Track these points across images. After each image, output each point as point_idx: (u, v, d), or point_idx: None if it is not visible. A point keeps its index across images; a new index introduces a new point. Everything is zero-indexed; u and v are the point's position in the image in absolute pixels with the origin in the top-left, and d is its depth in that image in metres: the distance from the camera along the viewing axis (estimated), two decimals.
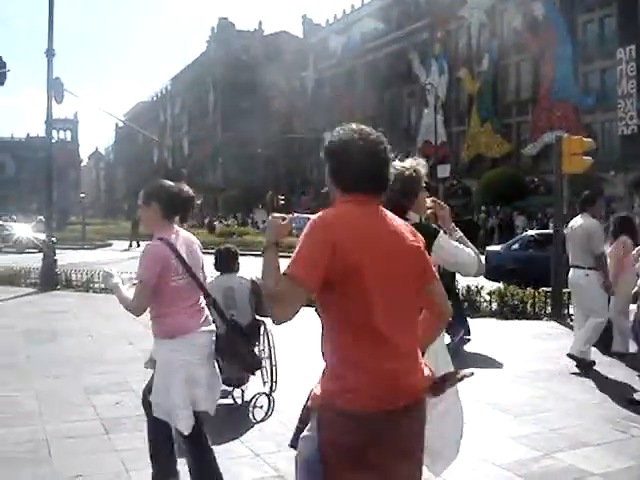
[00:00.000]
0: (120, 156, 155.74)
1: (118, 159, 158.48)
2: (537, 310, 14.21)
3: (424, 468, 3.43)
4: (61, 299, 16.97)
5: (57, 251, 20.06)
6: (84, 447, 6.21)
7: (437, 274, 3.18)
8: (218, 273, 7.97)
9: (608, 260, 9.65)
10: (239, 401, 7.65)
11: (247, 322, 7.64)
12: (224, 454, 6.00)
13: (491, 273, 19.76)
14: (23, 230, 42.42)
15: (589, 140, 14.83)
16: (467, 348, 10.96)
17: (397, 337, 2.85)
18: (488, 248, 22.43)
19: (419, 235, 3.08)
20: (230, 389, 7.72)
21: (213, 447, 6.03)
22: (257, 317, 7.77)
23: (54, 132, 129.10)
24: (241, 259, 8.12)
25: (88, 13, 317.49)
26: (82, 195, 72.45)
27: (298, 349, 9.64)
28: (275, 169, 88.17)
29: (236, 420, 7.06)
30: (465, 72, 59.76)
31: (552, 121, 48.12)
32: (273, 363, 7.76)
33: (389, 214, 3.06)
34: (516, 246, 20.67)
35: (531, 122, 52.53)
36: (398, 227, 3.03)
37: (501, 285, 15.34)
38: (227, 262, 7.86)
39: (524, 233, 24.00)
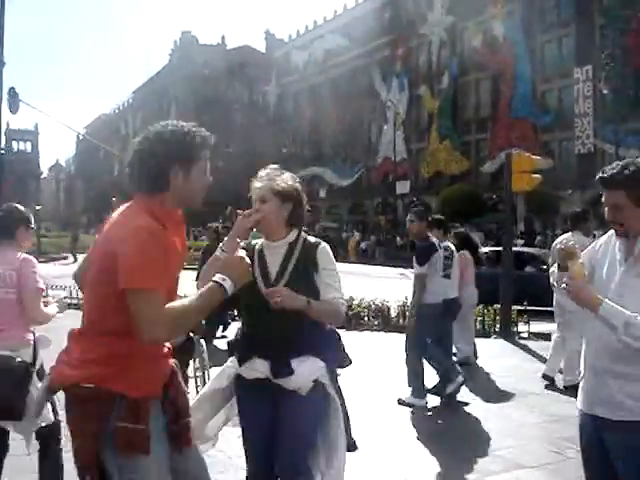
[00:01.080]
0: (81, 168, 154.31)
1: (79, 171, 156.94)
2: (486, 327, 14.16)
3: None
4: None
5: None
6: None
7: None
8: None
9: None
10: None
11: (181, 340, 7.44)
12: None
13: None
14: None
15: (538, 158, 14.88)
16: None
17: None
18: None
19: (119, 237, 2.97)
20: None
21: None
22: (191, 336, 7.57)
23: (14, 143, 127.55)
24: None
25: (49, 24, 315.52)
26: (37, 207, 71.46)
27: None
28: (236, 183, 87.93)
29: None
30: (425, 89, 60.12)
31: (510, 139, 48.37)
32: (206, 382, 7.57)
33: (119, 214, 3.14)
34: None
35: (490, 140, 52.84)
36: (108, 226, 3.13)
37: None
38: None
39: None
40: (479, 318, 14.10)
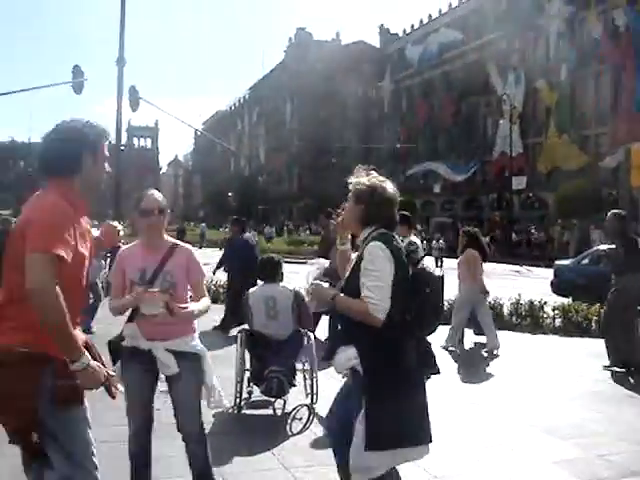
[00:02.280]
0: (198, 164, 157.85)
1: (196, 167, 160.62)
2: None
3: None
4: None
5: None
6: (114, 452, 6.19)
7: None
8: (261, 282, 7.94)
9: None
10: (279, 412, 7.57)
11: (288, 333, 7.57)
12: (254, 465, 5.99)
13: (559, 288, 19.32)
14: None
15: None
16: (524, 366, 10.66)
17: None
18: (557, 262, 21.93)
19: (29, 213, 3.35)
20: (272, 400, 7.67)
21: (244, 458, 5.99)
22: (299, 329, 7.67)
23: (134, 139, 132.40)
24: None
25: (167, 23, 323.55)
26: None
27: None
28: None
29: (272, 431, 6.98)
30: (542, 82, 58.65)
31: (632, 133, 46.79)
32: (314, 375, 7.67)
33: (34, 197, 3.46)
34: (586, 261, 20.08)
35: (610, 134, 51.21)
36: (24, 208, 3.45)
37: (565, 301, 14.94)
38: (270, 271, 7.79)
39: (595, 248, 23.27)
40: (595, 317, 13.73)
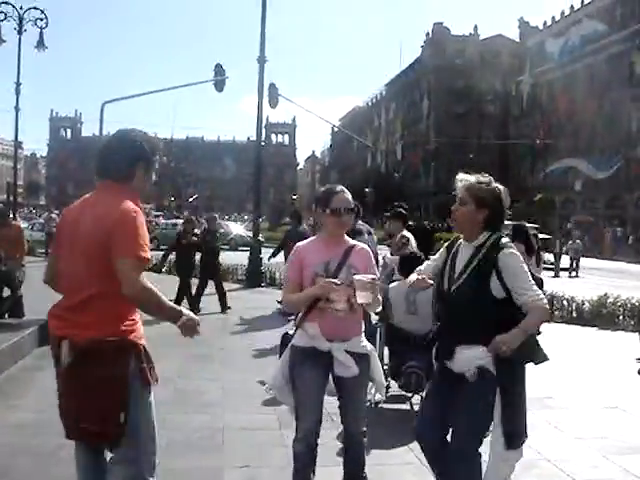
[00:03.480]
0: (335, 160, 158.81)
1: (333, 162, 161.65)
2: None
3: None
4: (262, 296, 17.70)
5: (266, 250, 20.73)
6: (256, 439, 6.46)
7: None
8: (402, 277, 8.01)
9: None
10: (417, 408, 7.63)
11: (428, 328, 7.61)
12: (390, 459, 6.10)
13: None
14: (237, 229, 44.69)
15: None
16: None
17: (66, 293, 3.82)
18: None
19: (111, 216, 3.66)
20: (410, 395, 7.73)
21: (380, 451, 6.11)
22: None
23: (272, 135, 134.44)
24: None
25: (305, 22, 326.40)
26: (294, 197, 74.70)
27: None
28: (488, 175, 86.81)
29: (409, 427, 7.03)
30: None
31: None
32: None
33: (99, 197, 3.85)
34: None
35: None
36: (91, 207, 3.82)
37: None
38: (410, 267, 7.85)
39: None
40: None
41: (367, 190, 64.95)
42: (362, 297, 4.38)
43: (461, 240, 4.43)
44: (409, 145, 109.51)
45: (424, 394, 4.41)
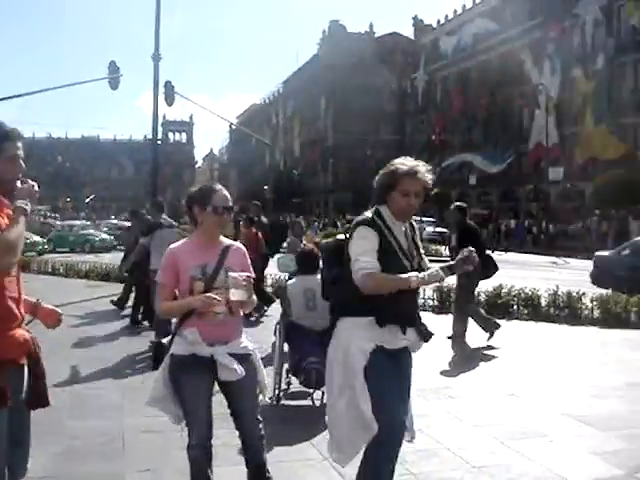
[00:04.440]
0: (233, 157, 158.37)
1: (232, 160, 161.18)
2: None
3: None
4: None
5: None
6: (157, 442, 6.32)
7: None
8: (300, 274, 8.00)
9: None
10: (318, 403, 7.63)
11: (327, 324, 7.60)
12: (293, 455, 6.08)
13: (598, 279, 19.16)
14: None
15: None
16: (563, 357, 10.64)
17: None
18: (597, 253, 21.74)
19: None
20: (310, 391, 7.73)
21: (282, 448, 6.08)
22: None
23: (170, 134, 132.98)
24: None
25: (201, 18, 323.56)
26: None
27: None
28: None
29: (311, 422, 7.05)
30: (579, 72, 58.06)
31: None
32: None
33: None
34: (627, 252, 19.79)
35: None
36: None
37: (604, 292, 14.84)
38: (308, 263, 7.85)
39: (636, 239, 22.96)
40: (634, 309, 13.68)
41: (266, 188, 64.93)
42: (237, 295, 4.33)
43: (386, 221, 4.31)
44: (307, 142, 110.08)
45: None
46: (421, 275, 4.13)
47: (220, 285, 4.39)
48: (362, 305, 4.16)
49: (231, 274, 4.38)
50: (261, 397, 4.82)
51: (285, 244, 12.26)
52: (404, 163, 4.32)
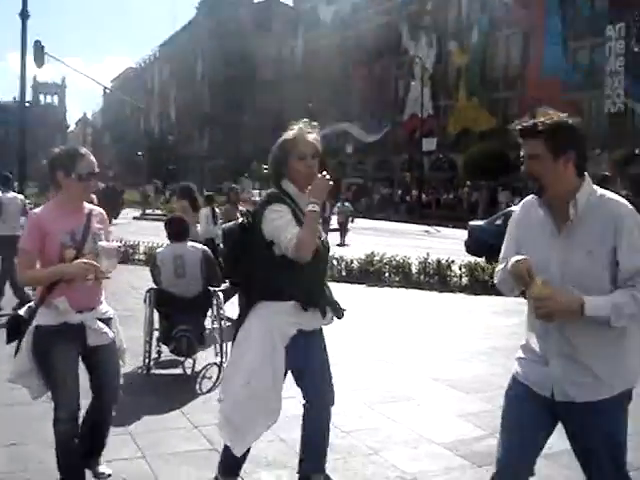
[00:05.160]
0: (108, 122, 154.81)
1: (106, 125, 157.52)
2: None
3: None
4: None
5: None
6: (19, 415, 6.08)
7: None
8: (168, 242, 7.89)
9: None
10: (189, 372, 7.54)
11: (197, 291, 7.54)
12: (163, 424, 6.00)
13: (473, 248, 19.68)
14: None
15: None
16: (431, 323, 10.88)
17: None
18: (471, 223, 22.31)
19: None
20: (182, 359, 7.65)
21: (153, 416, 5.97)
22: (209, 287, 7.65)
23: (40, 96, 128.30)
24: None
25: None
26: None
27: None
28: (263, 138, 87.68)
29: (182, 390, 6.97)
30: (454, 45, 59.28)
31: (540, 97, 47.79)
32: (223, 334, 7.66)
33: None
34: (499, 222, 20.27)
35: (519, 97, 52.20)
36: None
37: (472, 260, 15.26)
38: (177, 231, 7.74)
39: (507, 208, 23.66)
40: None
41: (140, 154, 63.70)
42: (107, 264, 4.24)
43: (292, 195, 4.25)
44: (184, 108, 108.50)
45: None
46: (311, 207, 3.97)
47: (89, 252, 4.25)
48: (284, 289, 4.06)
49: (101, 243, 4.28)
50: (121, 363, 4.68)
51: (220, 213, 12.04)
52: (292, 129, 4.28)
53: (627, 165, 40.49)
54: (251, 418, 4.10)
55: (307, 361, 4.25)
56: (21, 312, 4.41)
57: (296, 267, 3.95)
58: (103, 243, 4.29)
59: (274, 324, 4.06)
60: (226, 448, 4.24)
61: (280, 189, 4.20)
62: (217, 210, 12.79)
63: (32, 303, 4.43)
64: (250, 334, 4.11)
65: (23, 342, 4.32)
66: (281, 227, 3.98)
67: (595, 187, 3.20)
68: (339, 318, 4.30)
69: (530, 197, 3.35)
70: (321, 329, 4.34)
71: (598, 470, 3.27)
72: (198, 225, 11.31)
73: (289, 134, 4.25)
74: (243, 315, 4.21)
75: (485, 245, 18.64)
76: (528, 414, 3.33)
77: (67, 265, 4.19)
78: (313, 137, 4.28)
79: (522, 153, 3.23)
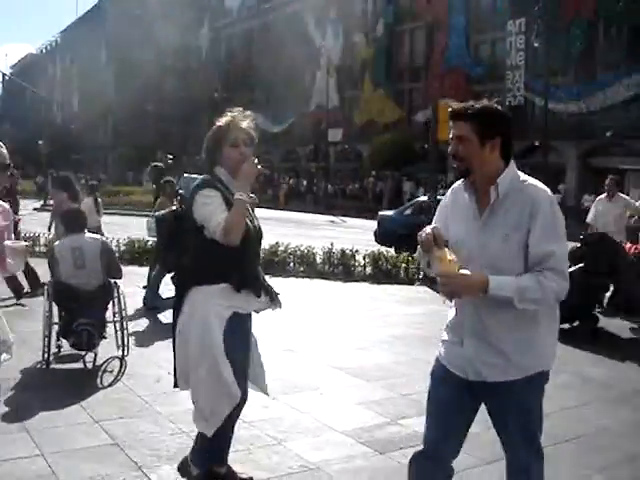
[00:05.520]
0: (7, 110, 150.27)
1: (5, 114, 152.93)
2: (410, 275, 14.36)
3: None
4: None
5: None
6: None
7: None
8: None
9: None
10: (90, 366, 7.41)
11: (98, 283, 7.43)
12: (63, 419, 5.88)
13: (383, 238, 19.90)
14: None
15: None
16: (335, 313, 10.97)
17: None
18: (381, 213, 22.52)
19: None
20: (82, 353, 7.51)
21: (53, 412, 5.86)
22: (109, 280, 7.54)
23: None
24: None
25: None
26: None
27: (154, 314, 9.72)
28: (168, 128, 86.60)
29: (83, 385, 6.84)
30: (360, 37, 59.65)
31: (443, 89, 48.51)
32: (125, 327, 7.56)
33: None
34: (408, 212, 20.54)
35: (423, 89, 52.84)
36: None
37: (376, 249, 15.45)
38: (74, 222, 7.61)
39: (417, 199, 23.91)
40: (403, 265, 14.39)
41: (40, 143, 62.09)
42: (14, 265, 4.24)
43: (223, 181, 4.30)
44: (87, 96, 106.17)
45: None
46: (238, 195, 4.04)
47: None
48: (217, 272, 4.12)
49: (6, 243, 4.19)
50: (5, 356, 4.52)
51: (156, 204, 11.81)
52: (225, 116, 4.39)
53: (527, 157, 41.46)
54: (211, 400, 4.18)
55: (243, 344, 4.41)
56: None
57: (227, 250, 4.00)
58: (9, 242, 4.21)
59: (209, 308, 4.11)
60: (199, 434, 4.36)
61: (213, 175, 4.25)
62: (99, 200, 13.25)
63: None
64: (189, 320, 4.17)
65: None
66: (211, 212, 4.03)
67: (520, 173, 3.27)
68: (274, 303, 4.53)
69: (458, 182, 3.40)
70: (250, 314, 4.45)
71: (512, 447, 3.38)
72: None
73: (222, 121, 4.34)
74: (179, 302, 4.24)
75: (394, 235, 18.87)
76: (446, 396, 3.42)
77: None
78: (246, 124, 4.34)
79: (450, 135, 3.29)
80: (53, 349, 7.46)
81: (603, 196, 12.24)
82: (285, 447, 5.39)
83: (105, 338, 7.52)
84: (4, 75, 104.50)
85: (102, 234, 9.93)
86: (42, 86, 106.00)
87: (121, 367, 7.31)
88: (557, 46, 40.59)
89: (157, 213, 8.68)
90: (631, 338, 9.87)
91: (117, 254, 11.37)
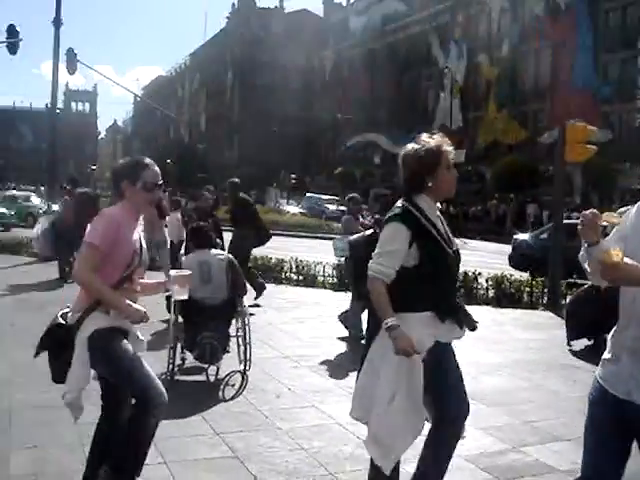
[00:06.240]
0: (138, 130, 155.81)
1: (135, 133, 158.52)
2: (534, 299, 14.03)
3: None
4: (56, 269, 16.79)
5: None
6: (45, 418, 6.10)
7: None
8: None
9: None
10: (212, 379, 7.54)
11: (222, 299, 7.55)
12: (185, 430, 5.97)
13: (518, 262, 19.52)
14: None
15: (593, 128, 14.53)
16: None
17: None
18: (516, 236, 22.11)
19: None
20: (205, 366, 7.64)
21: (175, 421, 5.97)
22: (234, 295, 7.66)
23: (72, 103, 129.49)
24: None
25: None
26: (93, 167, 72.56)
27: (276, 330, 9.76)
28: (291, 148, 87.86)
29: (205, 398, 6.96)
30: (484, 57, 59.11)
31: (569, 110, 47.44)
32: (247, 341, 7.66)
33: None
34: (544, 235, 20.00)
35: (548, 110, 51.92)
36: None
37: (499, 272, 15.17)
38: (201, 238, 7.81)
39: (549, 223, 23.14)
40: (527, 289, 14.04)
41: (168, 162, 64.07)
42: (179, 293, 4.42)
43: (423, 209, 4.14)
44: (213, 117, 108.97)
45: None
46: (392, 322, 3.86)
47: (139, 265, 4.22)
48: (422, 301, 3.98)
49: (173, 272, 4.42)
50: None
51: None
52: (433, 139, 4.28)
53: None
54: (397, 434, 3.99)
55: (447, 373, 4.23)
56: (61, 321, 4.27)
57: (433, 278, 3.93)
58: (174, 272, 4.41)
59: (411, 336, 3.88)
60: (374, 467, 4.14)
61: (411, 201, 4.12)
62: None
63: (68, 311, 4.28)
64: (386, 349, 3.92)
65: (78, 351, 4.17)
66: (381, 249, 3.98)
67: None
68: (472, 330, 4.29)
69: None
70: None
71: None
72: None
73: (428, 143, 4.22)
74: (374, 329, 4.07)
75: (530, 259, 18.47)
76: (600, 419, 3.18)
77: (127, 306, 4.07)
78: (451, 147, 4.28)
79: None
80: (177, 361, 7.63)
81: None
82: (405, 470, 5.33)
83: (228, 352, 7.64)
84: (136, 96, 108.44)
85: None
86: (171, 107, 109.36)
87: (243, 381, 7.40)
88: None
89: (351, 238, 8.58)
90: None
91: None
